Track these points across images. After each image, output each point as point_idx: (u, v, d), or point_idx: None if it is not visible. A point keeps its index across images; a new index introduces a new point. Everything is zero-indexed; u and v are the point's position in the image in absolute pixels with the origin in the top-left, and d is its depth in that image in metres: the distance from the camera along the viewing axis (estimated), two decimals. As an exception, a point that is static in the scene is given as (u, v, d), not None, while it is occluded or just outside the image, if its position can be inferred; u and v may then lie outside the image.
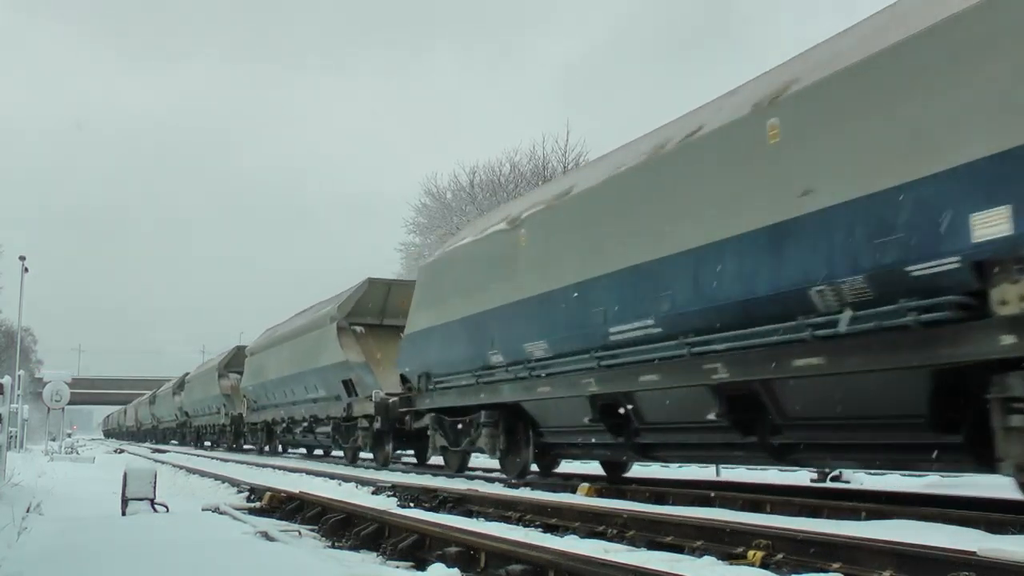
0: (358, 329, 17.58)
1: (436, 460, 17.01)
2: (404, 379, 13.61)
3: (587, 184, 9.20)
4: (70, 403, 32.55)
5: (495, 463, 12.39)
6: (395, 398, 14.40)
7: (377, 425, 15.69)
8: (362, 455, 18.19)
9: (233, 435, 29.43)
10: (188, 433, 39.35)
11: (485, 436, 11.08)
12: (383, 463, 16.26)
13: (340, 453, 20.20)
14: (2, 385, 10.40)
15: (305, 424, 20.66)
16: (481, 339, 10.74)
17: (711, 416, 7.37)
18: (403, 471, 14.67)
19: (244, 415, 26.88)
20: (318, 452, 24.50)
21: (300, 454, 25.44)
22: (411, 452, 17.65)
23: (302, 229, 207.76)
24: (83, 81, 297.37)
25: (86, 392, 78.60)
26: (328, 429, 19.12)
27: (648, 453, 9.25)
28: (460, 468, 13.25)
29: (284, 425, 22.74)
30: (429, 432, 12.89)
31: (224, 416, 30.15)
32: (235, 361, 29.94)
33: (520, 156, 37.51)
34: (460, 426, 11.96)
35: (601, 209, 8.65)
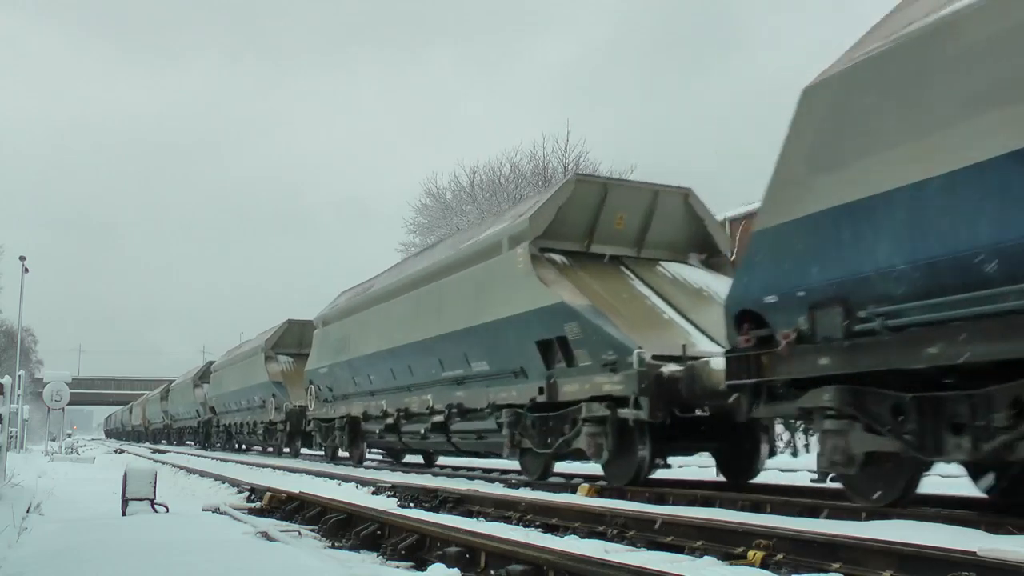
0: (558, 259, 10.81)
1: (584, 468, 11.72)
2: (754, 321, 6.96)
3: None
4: (70, 403, 32.54)
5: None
6: (680, 365, 8.44)
7: (640, 413, 8.52)
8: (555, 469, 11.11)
9: (288, 435, 22.65)
10: (215, 433, 32.67)
11: None
12: (632, 478, 9.06)
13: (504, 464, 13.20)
14: (2, 385, 10.39)
15: (439, 417, 12.97)
16: None
17: None
18: (401, 471, 14.59)
19: (310, 408, 19.61)
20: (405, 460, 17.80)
21: (384, 463, 18.55)
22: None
23: (301, 230, 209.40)
24: (83, 83, 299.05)
25: (86, 392, 78.67)
26: (493, 424, 11.42)
27: None
28: None
29: (388, 421, 15.07)
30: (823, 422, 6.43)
31: (274, 410, 23.18)
32: (287, 340, 24.11)
33: (520, 156, 37.53)
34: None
35: None
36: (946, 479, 10.46)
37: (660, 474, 10.60)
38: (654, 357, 8.68)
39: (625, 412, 8.79)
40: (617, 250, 11.25)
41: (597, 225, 11.06)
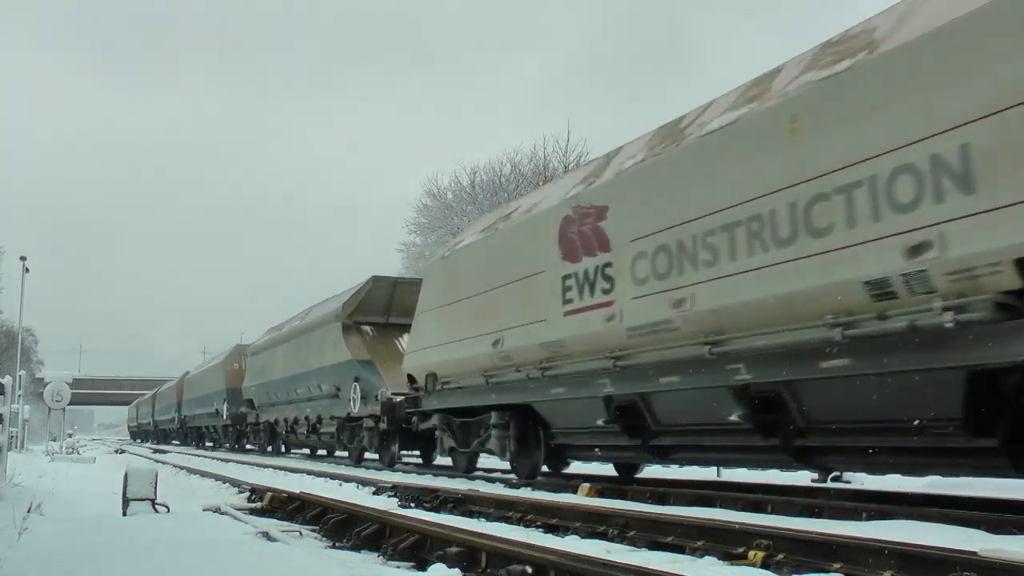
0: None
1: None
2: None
3: None
4: (71, 403, 32.51)
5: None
6: None
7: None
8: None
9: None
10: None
11: None
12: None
13: None
14: (3, 385, 10.38)
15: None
16: None
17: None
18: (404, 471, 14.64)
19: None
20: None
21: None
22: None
23: (298, 234, 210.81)
24: (87, 95, 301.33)
25: (87, 392, 78.57)
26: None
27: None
28: None
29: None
30: None
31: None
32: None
33: (521, 156, 37.56)
34: None
35: None
36: (946, 479, 10.46)
37: (663, 474, 11.02)
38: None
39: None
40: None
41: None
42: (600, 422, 9.02)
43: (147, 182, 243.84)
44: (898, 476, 10.97)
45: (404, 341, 16.49)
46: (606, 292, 8.51)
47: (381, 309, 17.44)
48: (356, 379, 16.50)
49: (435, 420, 12.75)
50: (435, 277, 13.04)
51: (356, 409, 16.49)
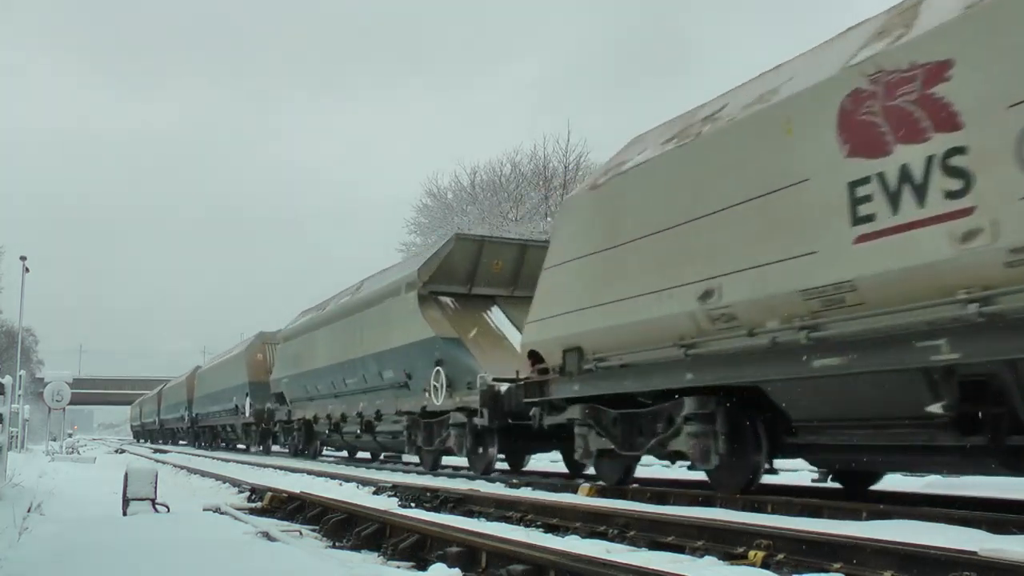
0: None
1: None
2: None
3: None
4: (71, 403, 32.49)
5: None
6: None
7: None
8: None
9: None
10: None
11: None
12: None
13: None
14: (3, 385, 10.37)
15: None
16: None
17: None
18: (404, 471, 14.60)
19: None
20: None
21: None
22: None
23: (297, 234, 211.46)
24: (87, 97, 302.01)
25: (87, 392, 78.53)
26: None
27: None
28: None
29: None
30: None
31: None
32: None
33: (521, 156, 37.57)
34: None
35: None
36: (946, 478, 10.47)
37: (663, 475, 11.01)
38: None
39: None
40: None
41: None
42: (938, 408, 5.80)
43: (147, 182, 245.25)
44: (898, 476, 10.94)
45: (493, 315, 13.71)
46: (953, 196, 5.38)
47: (463, 276, 13.93)
48: (438, 362, 12.90)
49: (573, 412, 9.37)
50: (581, 215, 9.38)
51: (439, 401, 12.87)
